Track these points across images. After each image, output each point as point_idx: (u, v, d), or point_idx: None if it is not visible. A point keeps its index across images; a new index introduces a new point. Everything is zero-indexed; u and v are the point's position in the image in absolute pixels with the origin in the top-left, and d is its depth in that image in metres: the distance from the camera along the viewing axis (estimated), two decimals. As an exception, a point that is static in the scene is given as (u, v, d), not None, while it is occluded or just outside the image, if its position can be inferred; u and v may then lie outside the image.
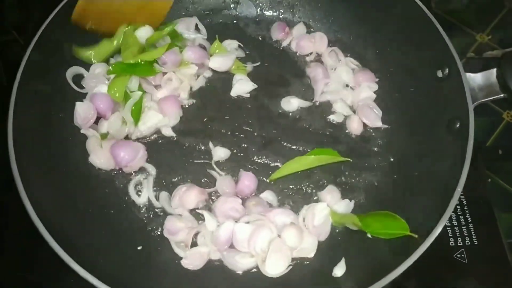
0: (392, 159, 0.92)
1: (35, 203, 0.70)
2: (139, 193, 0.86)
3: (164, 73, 0.95)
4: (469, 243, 0.92)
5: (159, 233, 0.82)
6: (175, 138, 0.93)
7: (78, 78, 0.94)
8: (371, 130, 0.96)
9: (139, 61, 0.89)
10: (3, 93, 1.07)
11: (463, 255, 0.90)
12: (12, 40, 1.29)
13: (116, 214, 0.84)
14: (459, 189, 0.72)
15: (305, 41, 1.05)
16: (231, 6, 1.12)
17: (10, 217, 0.91)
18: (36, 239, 0.67)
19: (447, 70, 0.86)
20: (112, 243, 0.78)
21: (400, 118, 0.95)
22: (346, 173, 0.90)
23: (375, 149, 0.94)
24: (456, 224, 0.94)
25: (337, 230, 0.83)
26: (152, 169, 0.88)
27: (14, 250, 0.90)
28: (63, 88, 0.91)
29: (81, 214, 0.79)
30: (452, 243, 0.92)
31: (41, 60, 0.87)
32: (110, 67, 0.89)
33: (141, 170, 0.89)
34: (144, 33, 0.95)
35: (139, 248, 0.79)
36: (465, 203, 0.97)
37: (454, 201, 0.71)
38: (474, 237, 0.93)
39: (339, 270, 0.76)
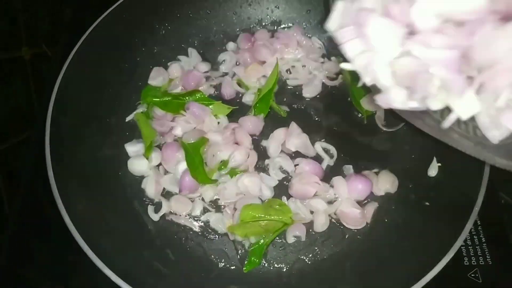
0: (406, 184, 0.93)
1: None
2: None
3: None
4: (483, 263, 0.93)
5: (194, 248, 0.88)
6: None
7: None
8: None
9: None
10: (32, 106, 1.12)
11: (477, 275, 0.92)
12: (42, 53, 1.34)
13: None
14: (476, 208, 0.75)
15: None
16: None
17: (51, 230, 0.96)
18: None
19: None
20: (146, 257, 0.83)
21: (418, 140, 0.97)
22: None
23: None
24: (470, 243, 0.96)
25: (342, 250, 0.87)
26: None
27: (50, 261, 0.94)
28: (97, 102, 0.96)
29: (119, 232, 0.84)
30: (466, 263, 0.93)
31: (77, 76, 0.92)
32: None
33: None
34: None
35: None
36: (479, 223, 0.99)
37: (471, 221, 0.73)
38: (488, 257, 0.94)
39: None
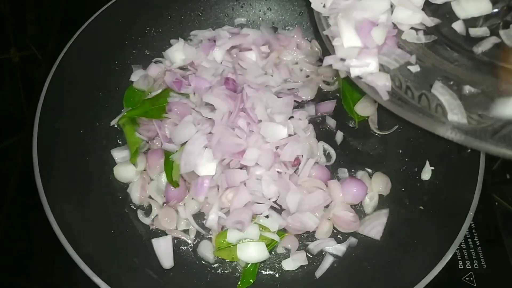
0: (400, 188, 0.93)
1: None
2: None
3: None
4: (477, 266, 0.93)
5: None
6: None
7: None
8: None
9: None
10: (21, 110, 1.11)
11: (471, 278, 0.91)
12: (31, 55, 1.33)
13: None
14: (471, 213, 0.74)
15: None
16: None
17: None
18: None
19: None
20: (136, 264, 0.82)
21: (410, 144, 0.97)
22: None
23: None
24: (465, 247, 0.96)
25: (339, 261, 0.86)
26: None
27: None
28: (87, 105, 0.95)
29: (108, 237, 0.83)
30: (461, 266, 0.93)
31: (66, 79, 0.90)
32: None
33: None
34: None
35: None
36: (474, 226, 0.99)
37: (466, 225, 0.73)
38: (482, 260, 0.94)
39: None
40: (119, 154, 0.94)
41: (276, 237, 0.86)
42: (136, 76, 1.02)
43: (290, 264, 0.85)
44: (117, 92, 1.01)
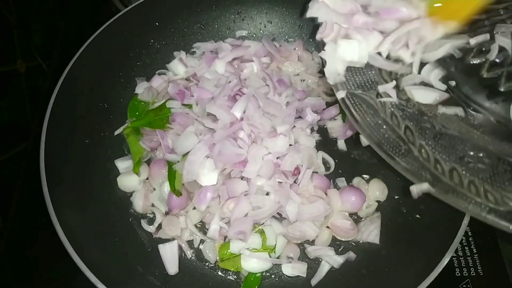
0: (397, 196, 0.95)
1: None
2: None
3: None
4: (474, 274, 0.95)
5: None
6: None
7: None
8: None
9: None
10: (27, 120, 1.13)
11: (468, 286, 0.93)
12: (37, 66, 1.35)
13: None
14: (465, 221, 0.76)
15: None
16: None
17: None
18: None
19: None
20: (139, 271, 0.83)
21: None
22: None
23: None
24: (462, 254, 0.97)
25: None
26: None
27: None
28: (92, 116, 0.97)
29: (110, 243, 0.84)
30: (457, 273, 0.95)
31: (73, 90, 0.92)
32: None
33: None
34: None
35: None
36: (470, 234, 1.00)
37: (460, 234, 0.75)
38: (479, 267, 0.95)
39: None
40: (122, 164, 0.96)
41: (279, 244, 0.87)
42: (141, 88, 1.04)
43: (289, 270, 0.87)
44: (121, 104, 1.03)
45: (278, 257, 0.88)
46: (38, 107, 1.24)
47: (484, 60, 0.69)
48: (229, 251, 0.86)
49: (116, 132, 0.99)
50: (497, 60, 0.68)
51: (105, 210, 0.89)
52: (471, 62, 0.70)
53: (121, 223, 0.90)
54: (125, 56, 1.05)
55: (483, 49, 0.69)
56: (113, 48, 1.02)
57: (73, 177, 0.86)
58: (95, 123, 0.97)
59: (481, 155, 0.62)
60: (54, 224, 0.75)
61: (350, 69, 0.73)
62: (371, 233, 0.89)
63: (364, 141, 0.68)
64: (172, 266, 0.85)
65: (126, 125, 0.99)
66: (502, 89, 0.67)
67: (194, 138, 0.91)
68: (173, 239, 0.89)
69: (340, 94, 0.71)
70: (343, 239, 0.91)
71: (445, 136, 0.65)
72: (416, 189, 0.62)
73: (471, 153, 0.63)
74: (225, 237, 0.89)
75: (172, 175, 0.90)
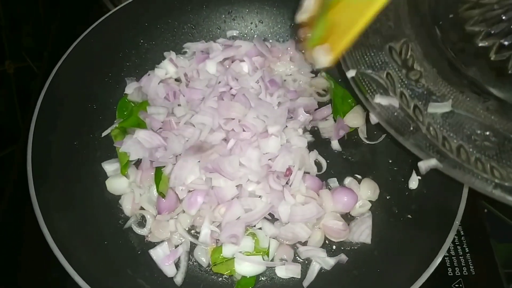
0: (388, 197, 0.95)
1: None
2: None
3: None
4: (466, 273, 0.95)
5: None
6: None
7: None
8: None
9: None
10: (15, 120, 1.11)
11: (461, 285, 0.93)
12: (27, 67, 1.34)
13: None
14: (457, 222, 0.76)
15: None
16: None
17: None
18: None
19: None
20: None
21: (399, 153, 0.98)
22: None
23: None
24: (454, 254, 0.97)
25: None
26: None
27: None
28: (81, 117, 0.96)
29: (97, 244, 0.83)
30: (450, 273, 0.95)
31: (60, 91, 0.91)
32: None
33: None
34: None
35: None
36: (463, 233, 1.00)
37: (452, 234, 0.74)
38: (471, 267, 0.95)
39: None
40: (110, 167, 0.95)
41: (272, 247, 0.86)
42: (130, 88, 1.03)
43: (283, 272, 0.86)
44: (111, 104, 1.02)
45: (271, 260, 0.87)
46: (28, 109, 1.23)
47: (492, 43, 0.70)
48: (222, 255, 0.85)
49: (104, 133, 0.98)
50: (506, 43, 0.69)
51: (94, 213, 0.88)
52: (479, 45, 0.71)
53: (110, 225, 0.89)
54: (114, 56, 1.04)
55: (492, 32, 0.70)
56: (102, 48, 1.00)
57: (61, 180, 0.85)
58: (84, 124, 0.96)
59: (488, 133, 0.64)
60: (42, 227, 0.74)
61: (360, 49, 0.74)
62: (362, 233, 0.89)
63: (374, 119, 0.70)
64: (168, 268, 0.84)
65: (114, 126, 0.98)
66: (510, 72, 0.68)
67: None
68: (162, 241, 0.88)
69: (350, 73, 0.73)
70: (335, 240, 0.90)
71: (453, 115, 0.67)
72: (424, 165, 0.64)
73: (478, 131, 0.64)
74: (217, 241, 0.88)
75: (158, 177, 0.89)
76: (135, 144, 0.91)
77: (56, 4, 1.43)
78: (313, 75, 1.11)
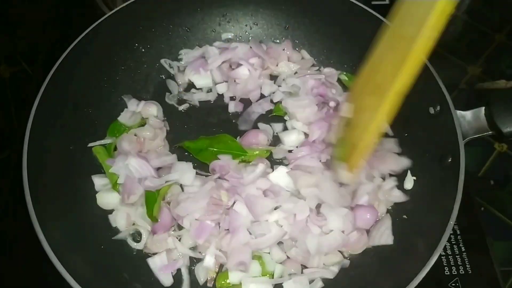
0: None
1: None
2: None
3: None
4: (463, 272, 0.95)
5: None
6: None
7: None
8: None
9: None
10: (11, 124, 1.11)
11: (457, 284, 0.93)
12: (22, 71, 1.33)
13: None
14: (452, 222, 0.76)
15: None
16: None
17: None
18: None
19: (438, 107, 0.89)
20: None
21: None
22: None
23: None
24: (450, 253, 0.97)
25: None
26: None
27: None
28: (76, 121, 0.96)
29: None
30: (447, 272, 0.95)
31: (56, 95, 0.91)
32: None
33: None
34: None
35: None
36: (459, 232, 1.00)
37: (447, 234, 0.74)
38: (468, 266, 0.96)
39: None
40: (100, 181, 0.91)
41: (277, 272, 0.83)
42: (128, 113, 1.01)
43: (291, 286, 0.81)
44: (106, 108, 1.02)
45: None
46: (23, 113, 1.22)
47: None
48: (228, 281, 0.81)
49: (89, 145, 0.96)
50: None
51: (89, 218, 0.87)
52: None
53: (106, 230, 0.88)
54: (109, 60, 1.04)
55: None
56: (97, 52, 1.00)
57: (57, 185, 0.85)
58: (80, 128, 0.95)
59: None
60: (37, 232, 0.73)
61: None
62: (383, 235, 0.86)
63: None
64: (165, 277, 0.82)
65: (96, 144, 0.95)
66: None
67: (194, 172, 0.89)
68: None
69: None
70: (356, 253, 0.87)
71: None
72: None
73: None
74: (221, 265, 0.85)
75: (151, 200, 0.86)
76: (126, 168, 0.87)
77: (51, 7, 1.43)
78: (316, 68, 1.12)
